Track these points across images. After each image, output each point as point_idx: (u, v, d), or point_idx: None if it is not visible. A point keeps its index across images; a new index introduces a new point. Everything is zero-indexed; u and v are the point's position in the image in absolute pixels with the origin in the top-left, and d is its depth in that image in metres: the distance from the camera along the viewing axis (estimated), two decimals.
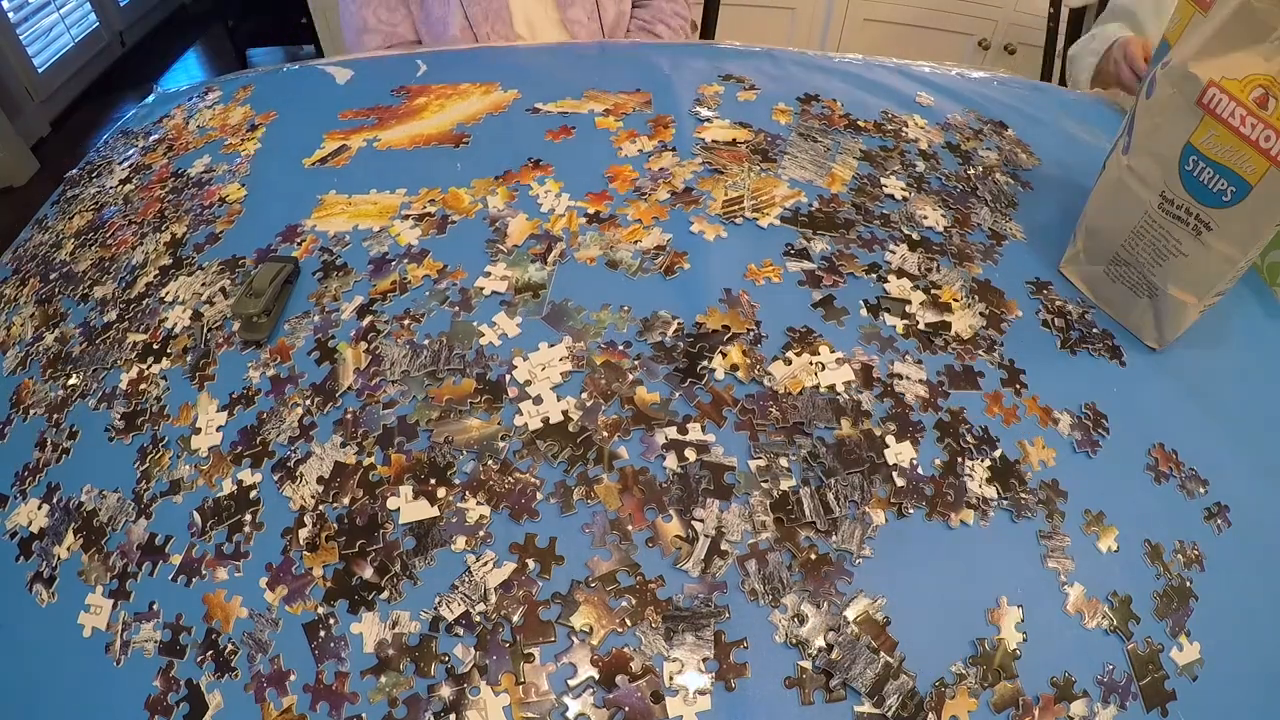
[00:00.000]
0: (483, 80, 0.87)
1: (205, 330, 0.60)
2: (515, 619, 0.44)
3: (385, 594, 0.45)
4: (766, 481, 0.49)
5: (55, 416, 0.58)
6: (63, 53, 2.82)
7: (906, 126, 0.82)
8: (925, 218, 0.69)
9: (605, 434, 0.51)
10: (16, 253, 0.76)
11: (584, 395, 0.53)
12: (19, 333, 0.66)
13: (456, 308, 0.60)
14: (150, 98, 0.97)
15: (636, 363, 0.55)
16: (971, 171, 0.77)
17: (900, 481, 0.50)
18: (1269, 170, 0.51)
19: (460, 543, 0.47)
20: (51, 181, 0.86)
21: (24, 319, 0.67)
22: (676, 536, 0.47)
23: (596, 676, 0.42)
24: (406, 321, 0.59)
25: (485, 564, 0.46)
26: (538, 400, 0.53)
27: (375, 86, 0.87)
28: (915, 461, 0.51)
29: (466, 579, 0.45)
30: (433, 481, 0.49)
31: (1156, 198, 0.58)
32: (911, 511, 0.49)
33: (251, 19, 3.09)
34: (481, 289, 0.61)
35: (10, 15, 2.54)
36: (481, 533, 0.47)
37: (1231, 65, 0.52)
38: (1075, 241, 0.67)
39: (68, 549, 0.50)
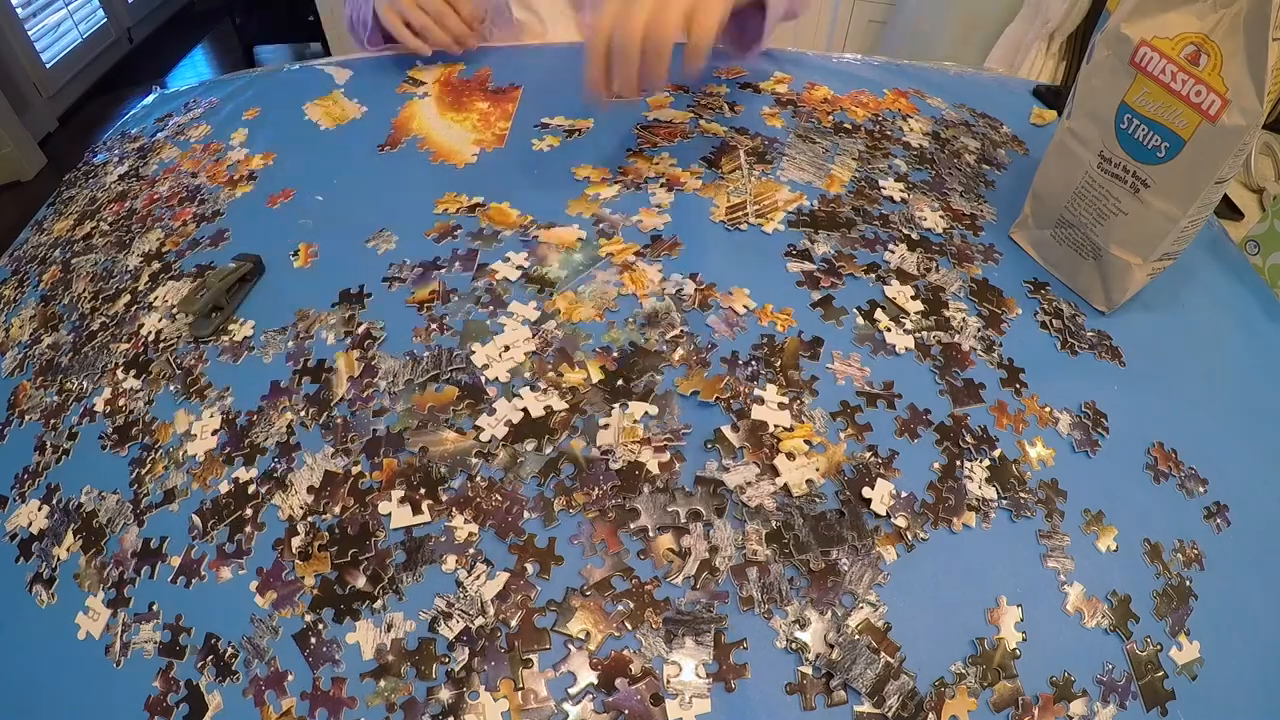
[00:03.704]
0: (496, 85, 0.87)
1: (192, 337, 0.60)
2: (512, 625, 0.43)
3: (378, 603, 0.45)
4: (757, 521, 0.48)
5: (52, 420, 0.58)
6: (71, 48, 2.82)
7: (900, 130, 0.82)
8: (924, 219, 0.69)
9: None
10: (14, 255, 0.76)
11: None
12: (17, 335, 0.66)
13: (491, 306, 0.59)
14: (150, 98, 0.96)
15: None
16: (945, 155, 0.78)
17: (901, 521, 0.48)
18: (1200, 125, 0.52)
19: (450, 562, 0.46)
20: (58, 177, 0.86)
21: (23, 321, 0.67)
22: (669, 550, 0.46)
23: (595, 681, 0.42)
24: (431, 327, 0.58)
25: (478, 577, 0.45)
26: (512, 396, 0.52)
27: (375, 86, 0.87)
28: (897, 493, 0.49)
29: (461, 595, 0.45)
30: (422, 491, 0.49)
31: (1095, 157, 0.60)
32: (917, 543, 0.47)
33: (258, 16, 3.10)
34: (495, 271, 0.61)
35: (19, 11, 2.55)
36: (471, 550, 0.46)
37: (1164, 25, 0.53)
38: (1025, 207, 0.68)
39: (67, 550, 0.50)
